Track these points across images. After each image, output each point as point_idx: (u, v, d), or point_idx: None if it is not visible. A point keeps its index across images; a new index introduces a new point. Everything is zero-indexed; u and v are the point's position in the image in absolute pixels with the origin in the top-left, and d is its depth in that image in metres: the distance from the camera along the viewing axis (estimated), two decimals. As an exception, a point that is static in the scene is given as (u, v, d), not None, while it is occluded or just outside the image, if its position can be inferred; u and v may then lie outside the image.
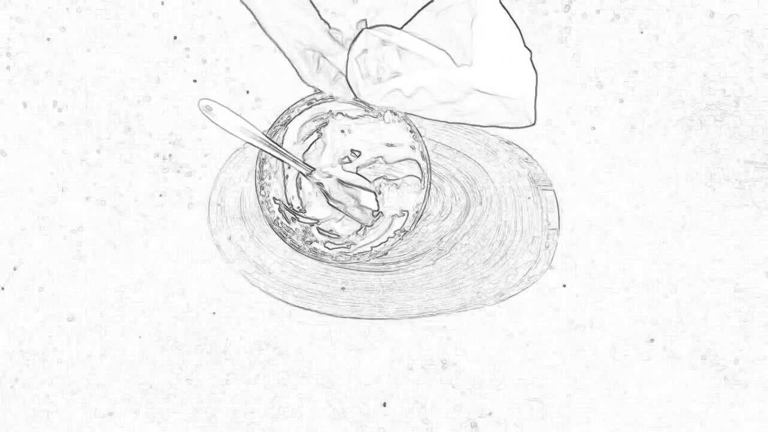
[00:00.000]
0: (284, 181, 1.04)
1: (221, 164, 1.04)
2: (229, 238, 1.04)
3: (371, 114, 1.03)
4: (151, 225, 1.04)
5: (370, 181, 1.03)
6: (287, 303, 1.04)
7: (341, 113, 1.03)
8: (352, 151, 1.03)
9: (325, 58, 1.00)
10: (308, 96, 1.03)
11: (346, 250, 1.03)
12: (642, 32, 1.04)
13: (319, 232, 1.04)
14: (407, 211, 1.03)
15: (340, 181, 1.03)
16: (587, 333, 1.04)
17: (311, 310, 1.04)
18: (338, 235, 1.04)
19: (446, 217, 1.05)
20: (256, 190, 1.03)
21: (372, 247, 1.03)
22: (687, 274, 1.04)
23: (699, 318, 1.04)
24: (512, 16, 1.02)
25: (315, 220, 1.04)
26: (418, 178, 1.03)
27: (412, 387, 1.04)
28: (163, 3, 1.04)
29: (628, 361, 1.04)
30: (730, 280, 1.04)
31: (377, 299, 1.04)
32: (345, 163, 1.03)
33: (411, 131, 1.02)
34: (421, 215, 1.03)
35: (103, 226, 1.04)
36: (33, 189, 1.04)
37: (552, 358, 1.04)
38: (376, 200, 1.03)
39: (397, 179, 1.03)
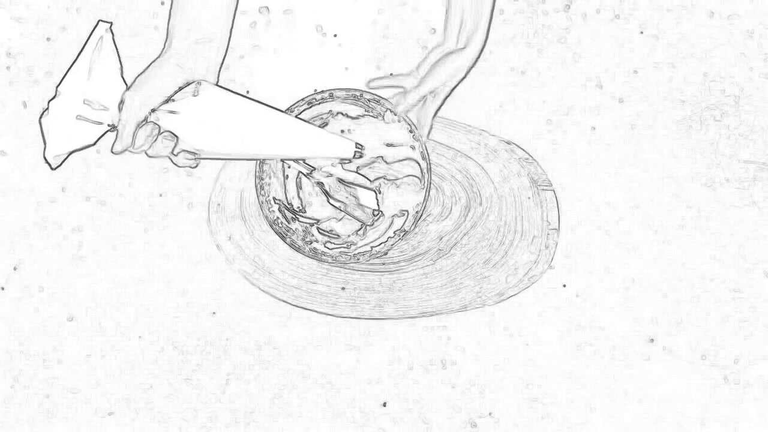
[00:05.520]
0: (284, 181, 1.04)
1: (221, 164, 1.04)
2: (229, 238, 1.04)
3: (371, 114, 1.03)
4: (151, 225, 1.04)
5: (370, 181, 1.03)
6: (287, 303, 1.04)
7: (341, 113, 1.03)
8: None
9: None
10: (308, 96, 1.03)
11: (346, 250, 1.03)
12: (642, 32, 1.04)
13: (319, 232, 1.04)
14: (407, 211, 1.03)
15: (341, 181, 1.03)
16: (587, 333, 1.04)
17: (311, 310, 1.04)
18: (338, 235, 1.04)
19: (446, 217, 1.05)
20: (256, 190, 1.03)
21: (372, 247, 1.03)
22: (687, 274, 1.04)
23: (699, 318, 1.04)
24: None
25: (315, 220, 1.04)
26: (418, 178, 1.03)
27: (412, 387, 1.04)
28: (162, 3, 1.04)
29: (628, 361, 1.04)
30: (730, 280, 1.04)
31: (377, 299, 1.04)
32: (345, 162, 1.03)
33: (411, 131, 1.02)
34: (421, 215, 1.03)
35: (103, 226, 1.04)
36: (33, 189, 1.04)
37: (552, 358, 1.04)
38: (377, 199, 1.03)
39: (397, 179, 1.03)
